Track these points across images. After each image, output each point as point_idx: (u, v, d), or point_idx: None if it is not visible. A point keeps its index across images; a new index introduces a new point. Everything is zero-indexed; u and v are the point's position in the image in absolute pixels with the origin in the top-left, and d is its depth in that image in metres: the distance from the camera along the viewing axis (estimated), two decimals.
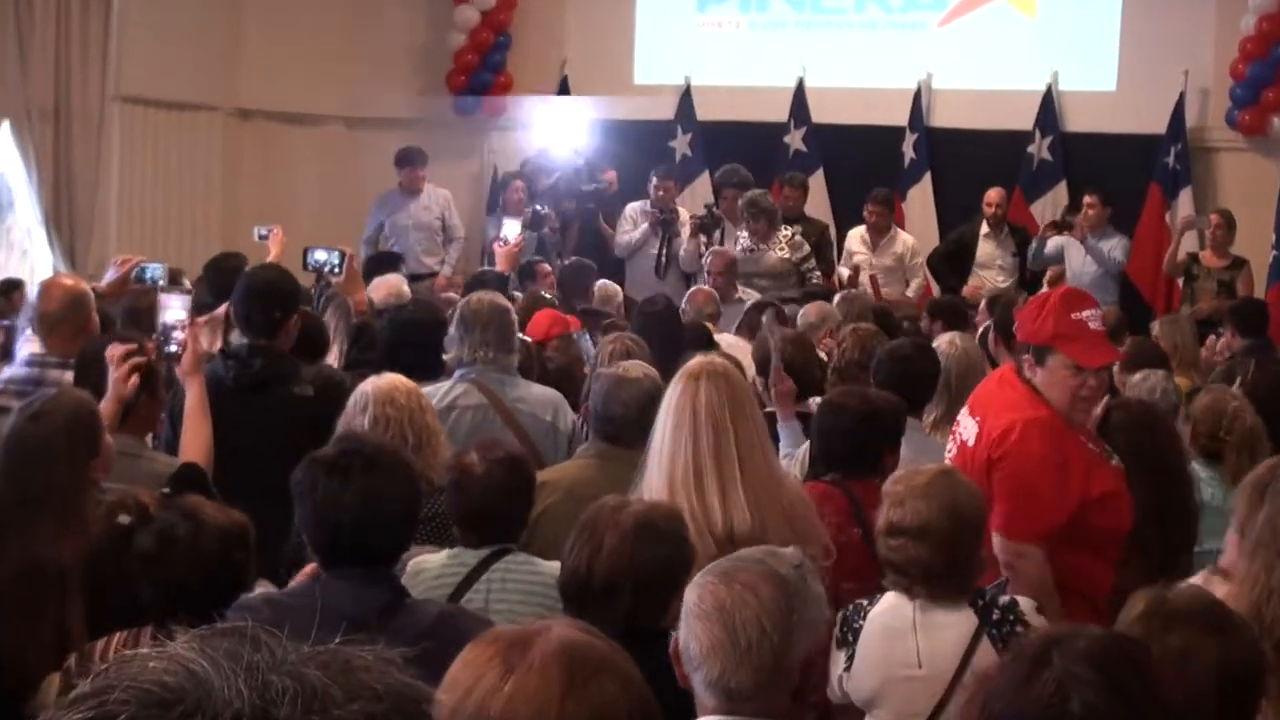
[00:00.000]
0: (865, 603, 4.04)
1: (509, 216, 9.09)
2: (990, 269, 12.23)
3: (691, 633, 2.77)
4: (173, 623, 3.50)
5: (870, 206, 12.09)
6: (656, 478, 4.08)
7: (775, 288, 10.36)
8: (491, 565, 4.18)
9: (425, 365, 5.82)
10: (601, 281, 9.63)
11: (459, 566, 4.20)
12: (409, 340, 6.11)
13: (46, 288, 5.83)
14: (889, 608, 3.97)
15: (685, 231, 11.70)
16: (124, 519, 3.91)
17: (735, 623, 2.72)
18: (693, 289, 9.62)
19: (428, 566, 4.22)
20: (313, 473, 3.45)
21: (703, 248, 11.28)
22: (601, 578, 3.40)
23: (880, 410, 5.11)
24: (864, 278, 11.58)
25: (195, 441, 4.88)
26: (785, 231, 11.01)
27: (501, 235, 7.81)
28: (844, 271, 11.73)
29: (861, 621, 3.98)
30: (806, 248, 11.10)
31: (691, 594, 2.82)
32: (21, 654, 3.84)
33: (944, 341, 6.22)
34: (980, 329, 7.86)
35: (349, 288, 6.30)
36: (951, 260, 12.49)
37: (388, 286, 8.14)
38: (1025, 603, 3.96)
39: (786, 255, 10.92)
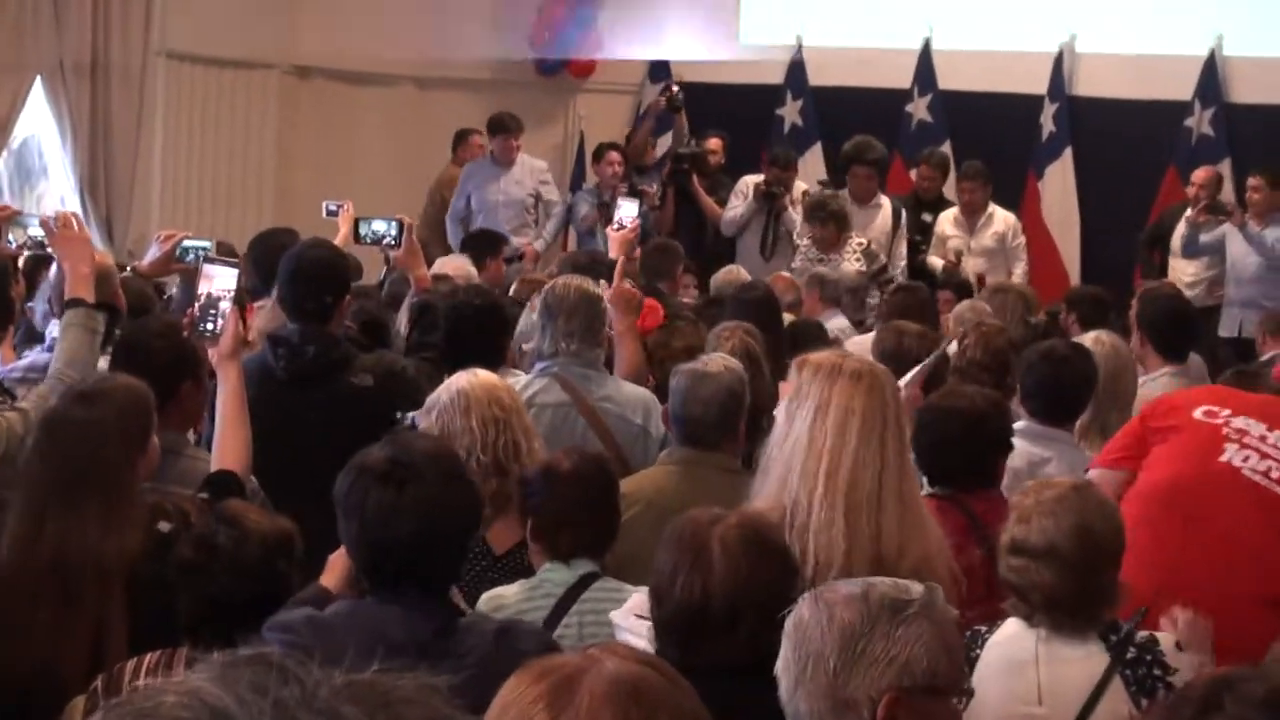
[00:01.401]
0: (984, 629, 4.02)
1: (623, 196, 9.04)
2: (1184, 258, 11.82)
3: (780, 653, 2.87)
4: (212, 641, 3.63)
5: (964, 183, 11.97)
6: (773, 493, 3.88)
7: (851, 305, 10.23)
8: (580, 595, 4.20)
9: (482, 356, 5.78)
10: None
11: (543, 598, 4.20)
12: (463, 328, 6.14)
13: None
14: (1009, 636, 3.95)
15: (795, 217, 11.71)
16: (164, 526, 3.98)
17: (803, 642, 2.81)
18: (774, 274, 9.63)
19: (505, 599, 4.22)
20: (362, 483, 3.39)
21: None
22: (722, 605, 3.30)
23: (990, 412, 5.11)
24: (967, 265, 11.52)
25: (231, 443, 4.78)
26: (856, 241, 10.93)
27: (617, 217, 7.72)
28: (936, 261, 11.67)
29: (979, 650, 3.97)
30: (882, 258, 11.05)
31: (795, 607, 2.90)
32: (54, 652, 3.91)
33: (1090, 339, 6.20)
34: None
35: (409, 262, 6.33)
36: (1155, 246, 12.13)
37: (454, 269, 8.22)
38: (1166, 639, 3.90)
39: (862, 267, 10.86)
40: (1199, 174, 11.84)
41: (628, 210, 7.71)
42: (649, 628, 3.45)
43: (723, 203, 12.30)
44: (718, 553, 3.34)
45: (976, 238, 11.90)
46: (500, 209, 12.33)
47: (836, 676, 2.77)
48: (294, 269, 5.62)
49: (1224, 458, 4.75)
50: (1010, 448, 5.07)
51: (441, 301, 6.30)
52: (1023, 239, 12.11)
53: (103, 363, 5.31)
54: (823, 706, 2.77)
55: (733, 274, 9.26)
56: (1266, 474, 4.71)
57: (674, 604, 3.35)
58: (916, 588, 2.92)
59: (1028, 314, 8.10)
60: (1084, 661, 3.85)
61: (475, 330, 6.03)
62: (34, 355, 5.64)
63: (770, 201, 11.90)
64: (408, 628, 3.27)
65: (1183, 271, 11.73)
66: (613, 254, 7.36)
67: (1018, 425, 5.56)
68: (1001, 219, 12.02)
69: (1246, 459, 4.75)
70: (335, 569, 3.82)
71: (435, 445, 3.59)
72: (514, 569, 4.57)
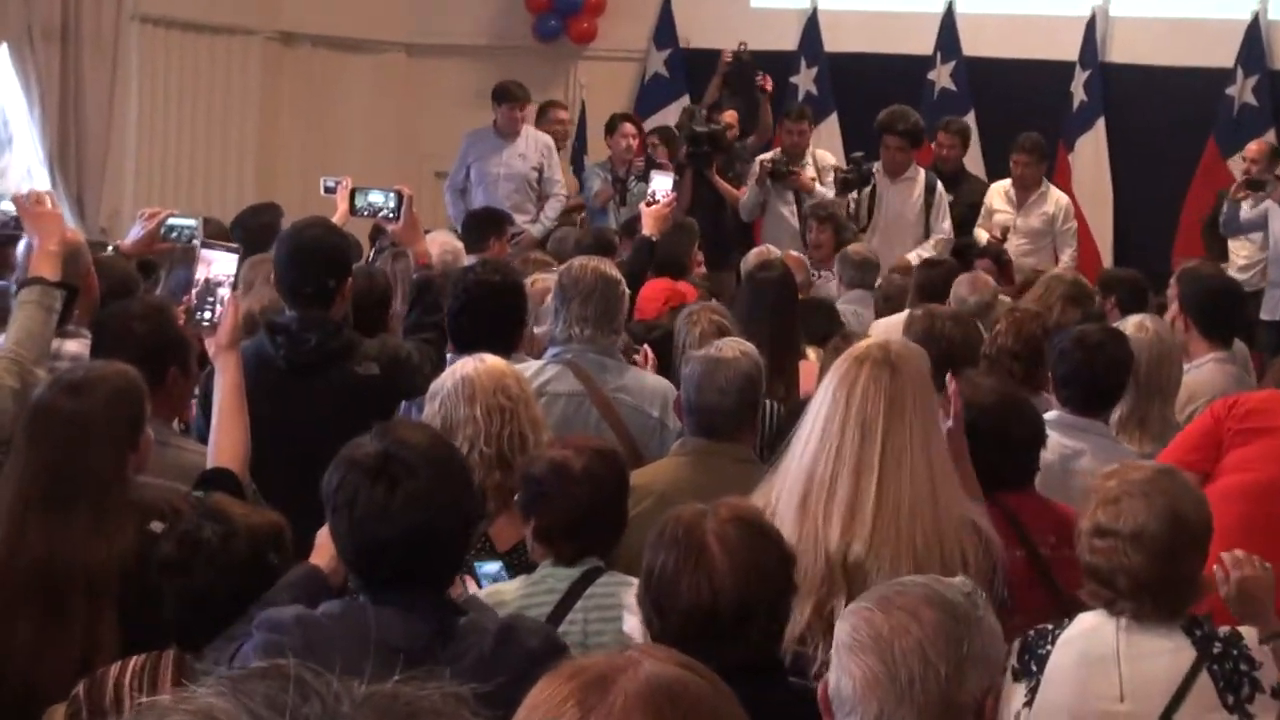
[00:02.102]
0: (1052, 627, 4.02)
1: (658, 170, 9.00)
2: (1239, 239, 11.75)
3: (843, 669, 2.76)
4: (201, 641, 3.62)
5: (1017, 156, 11.79)
6: (791, 480, 4.04)
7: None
8: (584, 591, 4.17)
9: (493, 338, 5.77)
10: None
11: (546, 594, 4.18)
12: (478, 308, 6.12)
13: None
14: (1087, 630, 3.96)
15: (827, 190, 11.69)
16: (157, 526, 3.96)
17: (894, 653, 2.72)
18: (785, 253, 9.63)
19: (504, 596, 4.20)
20: (352, 479, 3.34)
21: (851, 209, 11.26)
22: (732, 604, 3.32)
23: (1027, 406, 5.09)
24: (1011, 245, 11.43)
25: (229, 439, 4.71)
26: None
27: (650, 190, 7.64)
28: (982, 234, 11.63)
29: (1049, 647, 3.97)
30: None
31: (844, 625, 2.81)
32: (37, 663, 3.89)
33: (1132, 325, 6.16)
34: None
35: (408, 236, 6.28)
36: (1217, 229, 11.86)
37: (439, 245, 8.18)
38: (1249, 633, 3.92)
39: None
40: (1252, 147, 11.81)
41: (661, 184, 7.67)
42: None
43: (738, 178, 12.29)
44: (717, 550, 3.34)
45: (1024, 216, 11.79)
46: (501, 182, 12.23)
47: (949, 683, 2.72)
48: (292, 251, 5.57)
49: None
50: (1042, 442, 5.05)
51: (457, 278, 6.26)
52: (1074, 224, 11.96)
53: (76, 346, 5.30)
54: (928, 719, 2.72)
55: (764, 255, 9.26)
56: None
57: (681, 609, 3.34)
58: (955, 580, 2.93)
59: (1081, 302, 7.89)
60: (1169, 656, 3.86)
61: (492, 311, 6.00)
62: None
63: (780, 180, 11.87)
64: (404, 630, 3.25)
65: (1236, 254, 11.70)
66: (646, 230, 7.37)
67: (1049, 416, 5.56)
68: (1054, 200, 11.86)
69: None
70: (326, 548, 3.76)
71: (430, 438, 3.50)
72: (518, 567, 4.54)
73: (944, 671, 2.72)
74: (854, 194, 11.37)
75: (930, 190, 11.49)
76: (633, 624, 3.81)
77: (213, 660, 3.50)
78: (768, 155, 12.11)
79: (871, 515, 3.92)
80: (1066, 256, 11.71)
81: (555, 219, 12.24)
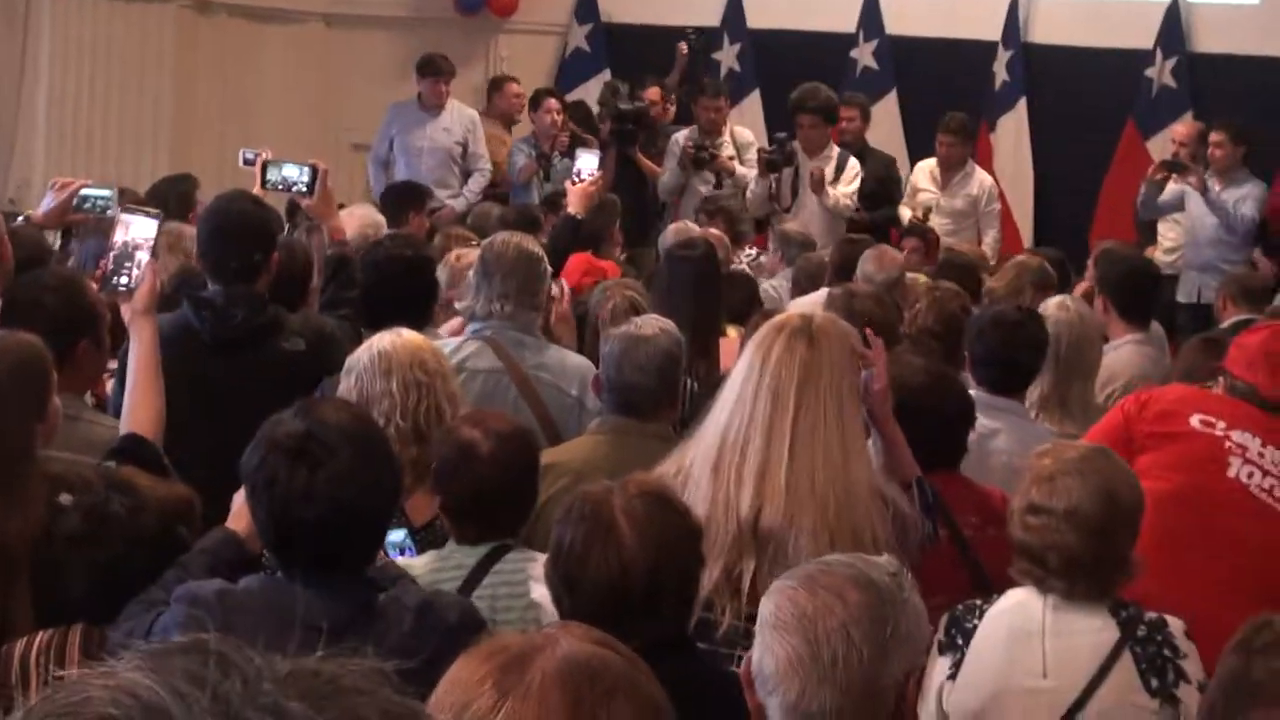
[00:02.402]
0: (980, 602, 4.06)
1: (584, 149, 8.98)
2: (1167, 222, 11.76)
3: (766, 648, 2.77)
4: (108, 615, 3.58)
5: (942, 136, 11.94)
6: (705, 445, 4.08)
7: None
8: (492, 567, 4.17)
9: (406, 313, 5.73)
10: None
11: (454, 570, 4.17)
12: (388, 283, 6.09)
13: None
14: (1014, 605, 4.00)
15: (747, 169, 11.71)
16: (66, 499, 3.91)
17: (818, 633, 2.72)
18: (706, 230, 9.63)
19: (415, 572, 4.14)
20: (271, 461, 3.33)
21: (774, 189, 11.30)
22: (643, 581, 3.34)
23: (957, 386, 5.11)
24: (935, 223, 11.46)
25: (143, 406, 4.67)
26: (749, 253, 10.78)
27: (575, 169, 7.62)
28: (905, 212, 11.69)
29: (975, 621, 4.01)
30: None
31: (768, 603, 2.82)
32: None
33: (1053, 305, 6.21)
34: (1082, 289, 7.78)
35: (323, 211, 6.23)
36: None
37: (359, 219, 8.14)
38: (1175, 624, 3.95)
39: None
40: (1180, 129, 11.90)
41: (587, 162, 7.66)
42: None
43: (661, 154, 12.28)
44: (625, 526, 3.36)
45: (948, 196, 11.88)
46: (425, 156, 12.23)
47: (872, 664, 2.72)
48: (217, 225, 5.55)
49: (1231, 473, 4.85)
50: (971, 422, 5.06)
51: (367, 253, 6.23)
52: (998, 205, 12.09)
53: None
54: (846, 701, 2.71)
55: (684, 231, 9.23)
56: (1270, 491, 4.84)
57: (589, 587, 3.36)
58: (881, 559, 2.93)
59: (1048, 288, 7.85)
60: (1094, 634, 3.90)
61: (402, 285, 5.98)
62: None
63: (701, 167, 11.88)
64: (325, 608, 3.23)
65: (1164, 236, 11.79)
66: (572, 208, 7.33)
67: None
68: (978, 181, 11.99)
69: (1251, 475, 4.87)
70: (243, 513, 3.73)
71: (351, 417, 3.47)
72: (432, 542, 4.53)
73: (867, 653, 2.72)
74: (776, 174, 11.37)
75: (840, 167, 11.51)
76: (541, 592, 3.81)
77: (127, 629, 3.46)
78: (684, 134, 12.09)
79: (784, 481, 3.95)
80: (990, 238, 11.82)
81: (479, 194, 12.18)
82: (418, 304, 5.91)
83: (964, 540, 4.68)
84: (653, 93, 12.72)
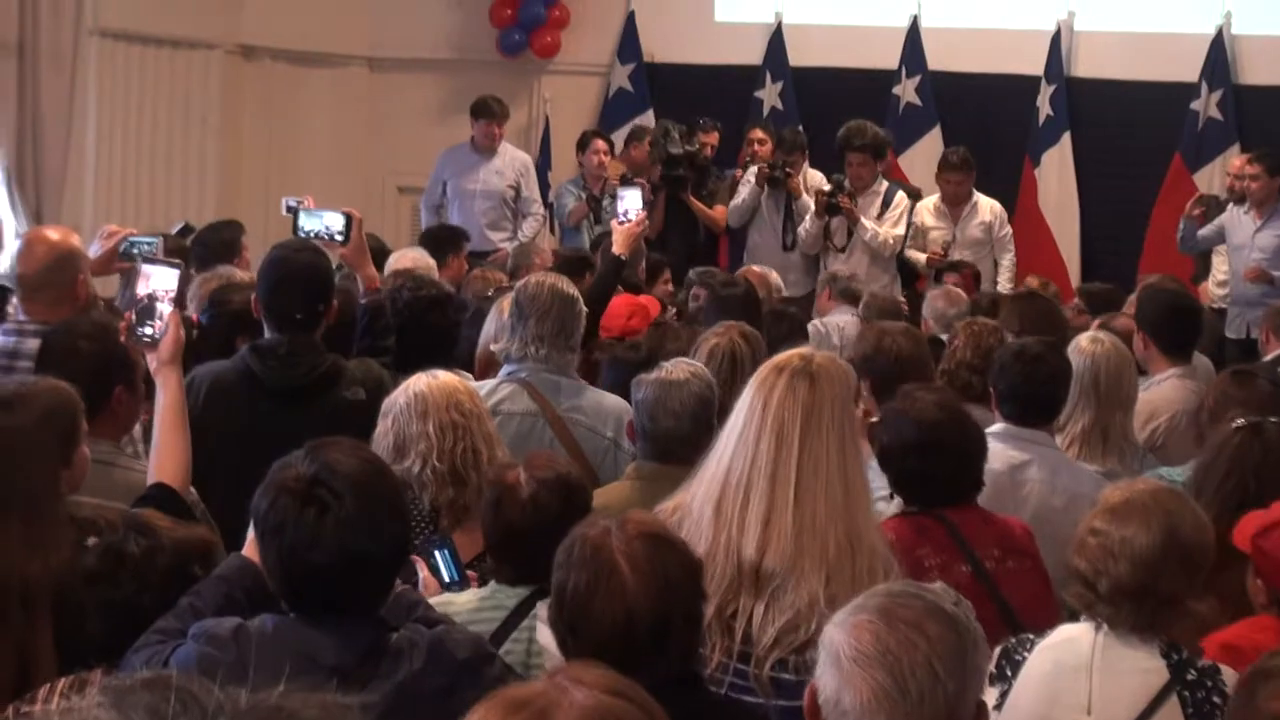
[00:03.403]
0: (1032, 636, 4.07)
1: (628, 186, 9.02)
2: (1219, 255, 11.65)
3: (846, 682, 2.78)
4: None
5: (950, 175, 11.86)
6: (707, 484, 4.07)
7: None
8: (533, 608, 4.15)
9: (431, 353, 5.79)
10: None
11: (494, 610, 4.18)
12: (411, 325, 6.11)
13: (28, 244, 5.86)
14: (1064, 640, 4.00)
15: (809, 204, 11.75)
16: (92, 543, 3.94)
17: (903, 668, 2.75)
18: (744, 268, 9.63)
19: (456, 608, 4.19)
20: (280, 506, 3.36)
21: (831, 229, 11.39)
22: (649, 623, 3.34)
23: (970, 420, 5.10)
24: (955, 257, 11.50)
25: (169, 456, 4.70)
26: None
27: (622, 209, 7.49)
28: (918, 256, 11.72)
29: (1026, 653, 4.01)
30: None
31: (842, 634, 2.84)
32: None
33: (1085, 339, 6.19)
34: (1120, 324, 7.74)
35: (357, 260, 6.25)
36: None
37: (412, 261, 8.18)
38: (1229, 672, 3.90)
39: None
40: (1235, 162, 11.77)
41: (632, 202, 7.52)
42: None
43: (711, 196, 12.30)
44: (627, 569, 3.36)
45: (962, 228, 11.87)
46: (478, 199, 12.25)
47: (954, 698, 2.78)
48: (281, 275, 5.57)
49: None
50: (984, 455, 5.04)
51: (390, 300, 6.27)
52: (1009, 228, 12.10)
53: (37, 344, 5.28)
54: None
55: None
56: None
57: (594, 631, 3.36)
58: (938, 587, 2.97)
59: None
60: (1143, 674, 3.88)
61: (424, 326, 6.01)
62: None
63: (775, 187, 11.90)
64: (336, 649, 3.29)
65: (1217, 269, 11.71)
66: (616, 249, 7.23)
67: (995, 428, 5.64)
68: (987, 208, 11.99)
69: None
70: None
71: (360, 462, 3.47)
72: (477, 580, 4.54)
73: (951, 687, 2.77)
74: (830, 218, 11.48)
75: (886, 202, 11.55)
76: (547, 635, 3.81)
77: (143, 659, 3.49)
78: (764, 163, 12.12)
79: (790, 527, 3.93)
80: (1006, 261, 11.86)
81: (532, 237, 12.18)
82: (440, 343, 5.93)
83: (986, 574, 4.68)
84: (711, 137, 12.72)
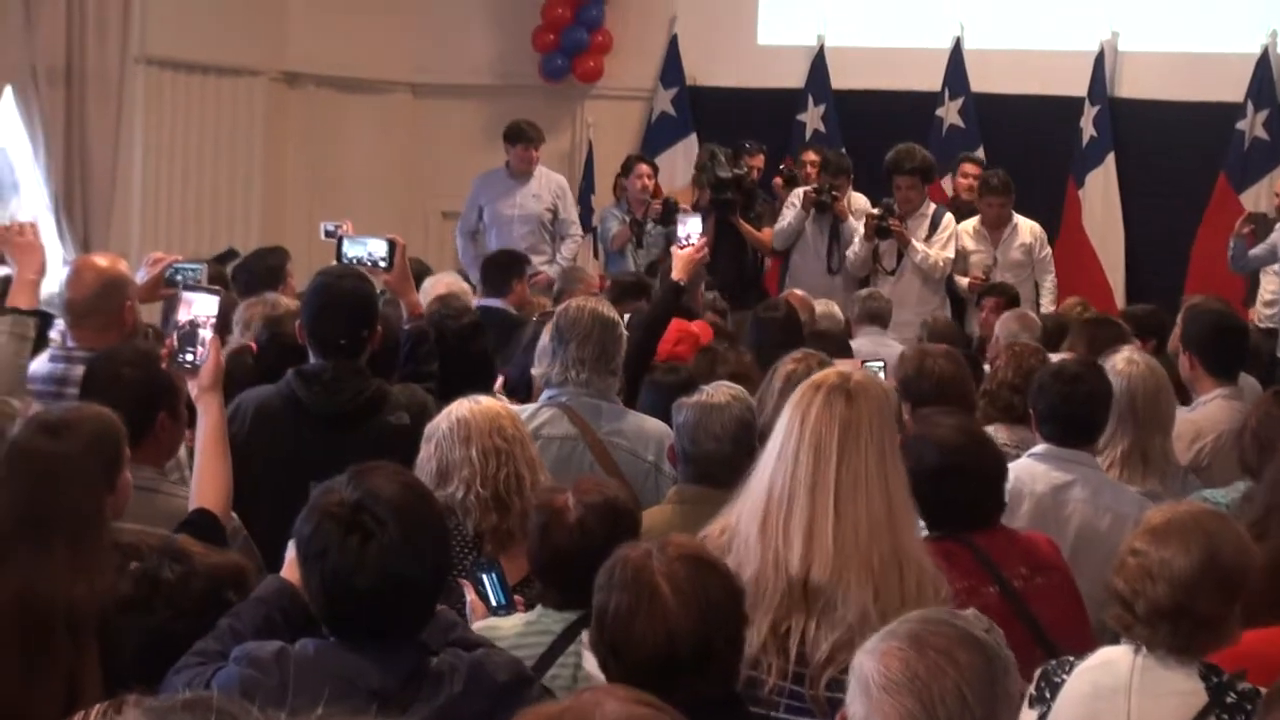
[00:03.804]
0: (1072, 658, 4.06)
1: (686, 213, 8.97)
2: (1268, 274, 11.60)
3: (875, 709, 2.80)
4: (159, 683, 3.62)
5: (991, 199, 11.76)
6: (751, 503, 4.08)
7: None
8: (579, 634, 4.14)
9: (472, 380, 5.80)
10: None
11: (540, 635, 4.18)
12: (455, 352, 6.14)
13: (77, 270, 5.91)
14: (1102, 662, 3.99)
15: (855, 227, 11.76)
16: (135, 567, 3.97)
17: (933, 696, 2.77)
18: (786, 291, 9.63)
19: (501, 632, 4.20)
20: (324, 532, 3.39)
21: (880, 252, 11.41)
22: (689, 645, 3.35)
23: (990, 442, 5.08)
24: (996, 279, 11.43)
25: (210, 481, 4.77)
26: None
27: (684, 233, 7.38)
28: (960, 281, 11.67)
29: (1065, 675, 4.01)
30: None
31: (872, 662, 2.85)
32: (23, 699, 3.89)
33: (1121, 360, 6.16)
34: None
35: (401, 286, 6.26)
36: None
37: (447, 287, 8.17)
38: None
39: None
40: None
41: (693, 227, 7.44)
42: None
43: (758, 218, 12.31)
44: (668, 591, 3.37)
45: (1003, 251, 11.79)
46: (515, 224, 12.19)
47: None
48: (326, 302, 5.59)
49: None
50: (1005, 477, 5.03)
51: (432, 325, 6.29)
52: (1049, 250, 12.02)
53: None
54: None
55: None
56: None
57: (635, 653, 3.38)
58: (967, 613, 2.98)
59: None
60: (1181, 696, 3.86)
61: (462, 354, 6.03)
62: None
63: (821, 211, 11.91)
64: (378, 673, 3.32)
65: (1265, 289, 11.65)
66: (676, 275, 7.18)
67: (1037, 449, 5.65)
68: (1027, 229, 11.90)
69: None
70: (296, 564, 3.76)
71: (403, 489, 3.49)
72: (523, 603, 4.53)
73: (980, 713, 2.78)
74: (880, 241, 11.50)
75: (934, 224, 11.54)
76: (593, 662, 3.81)
77: (185, 681, 3.50)
78: (810, 187, 12.15)
79: (831, 535, 3.93)
80: (1048, 283, 11.78)
81: (571, 260, 12.19)
82: (480, 369, 5.94)
83: (1015, 594, 4.65)
84: (757, 160, 12.72)
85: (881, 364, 6.61)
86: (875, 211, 11.62)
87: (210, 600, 3.72)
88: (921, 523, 4.79)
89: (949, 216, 11.67)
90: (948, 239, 11.56)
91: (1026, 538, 4.91)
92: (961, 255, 11.82)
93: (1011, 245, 11.81)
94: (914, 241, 11.46)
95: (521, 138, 12.23)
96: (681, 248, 7.24)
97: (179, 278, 6.42)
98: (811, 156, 12.67)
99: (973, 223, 11.90)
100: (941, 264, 11.47)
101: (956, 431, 4.96)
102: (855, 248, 11.67)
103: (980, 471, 4.88)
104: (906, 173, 11.58)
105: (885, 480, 4.02)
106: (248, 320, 6.78)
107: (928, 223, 11.57)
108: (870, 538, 3.94)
